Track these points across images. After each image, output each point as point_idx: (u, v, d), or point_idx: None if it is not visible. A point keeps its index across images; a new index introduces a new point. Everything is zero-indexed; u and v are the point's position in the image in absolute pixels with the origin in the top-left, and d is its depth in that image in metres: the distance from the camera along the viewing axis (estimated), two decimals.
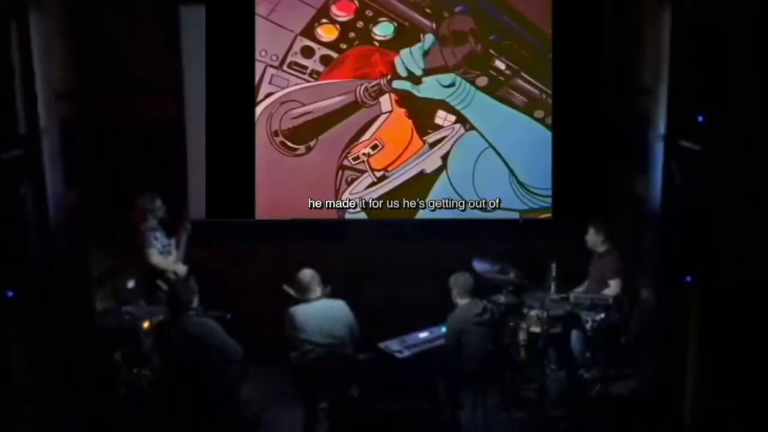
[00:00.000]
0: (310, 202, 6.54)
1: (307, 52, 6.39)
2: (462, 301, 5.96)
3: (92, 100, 6.83)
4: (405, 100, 6.50)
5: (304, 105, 6.48)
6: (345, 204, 6.58)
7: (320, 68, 6.42)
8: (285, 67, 6.41)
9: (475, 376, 5.87)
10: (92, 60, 6.85)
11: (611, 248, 6.61)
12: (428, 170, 6.59)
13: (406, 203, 6.56)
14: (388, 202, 6.57)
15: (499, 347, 6.03)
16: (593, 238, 6.62)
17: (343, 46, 6.39)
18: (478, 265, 6.45)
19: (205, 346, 5.31)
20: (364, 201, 6.58)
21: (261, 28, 6.32)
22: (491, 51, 6.45)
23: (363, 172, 6.57)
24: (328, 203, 6.56)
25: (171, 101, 6.87)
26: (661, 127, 5.80)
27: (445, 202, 6.59)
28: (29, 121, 5.23)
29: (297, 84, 6.44)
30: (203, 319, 5.47)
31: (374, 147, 6.55)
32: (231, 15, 6.18)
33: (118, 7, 6.84)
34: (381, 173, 6.58)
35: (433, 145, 6.57)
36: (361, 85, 6.46)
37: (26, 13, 5.18)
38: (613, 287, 6.49)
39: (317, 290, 5.70)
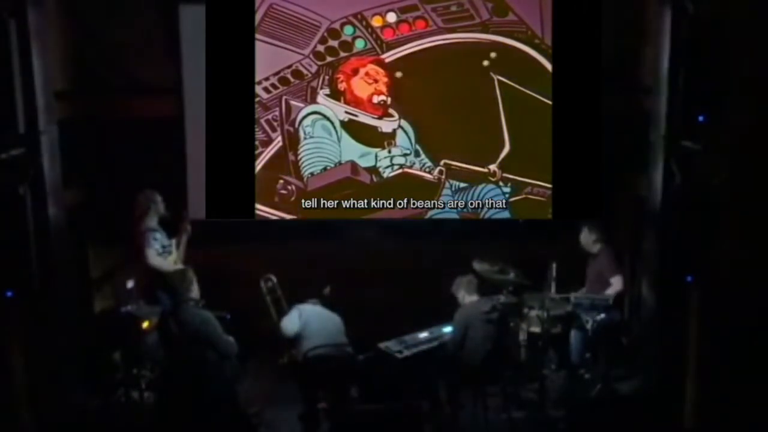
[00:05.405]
0: None
1: None
2: (470, 299, 5.98)
3: (92, 100, 6.82)
4: None
5: None
6: None
7: None
8: None
9: (475, 373, 5.87)
10: (92, 60, 6.84)
11: (605, 247, 6.58)
12: None
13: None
14: None
15: (502, 346, 6.02)
16: (586, 238, 6.59)
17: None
18: (478, 266, 6.43)
19: (199, 338, 5.30)
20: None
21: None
22: None
23: None
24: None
25: (171, 101, 6.86)
26: (661, 127, 5.81)
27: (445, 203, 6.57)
28: (29, 121, 5.23)
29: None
30: (201, 311, 5.45)
31: None
32: (231, 14, 6.16)
33: (117, 6, 6.83)
34: None
35: None
36: None
37: (25, 13, 5.19)
38: (615, 284, 6.46)
39: None
